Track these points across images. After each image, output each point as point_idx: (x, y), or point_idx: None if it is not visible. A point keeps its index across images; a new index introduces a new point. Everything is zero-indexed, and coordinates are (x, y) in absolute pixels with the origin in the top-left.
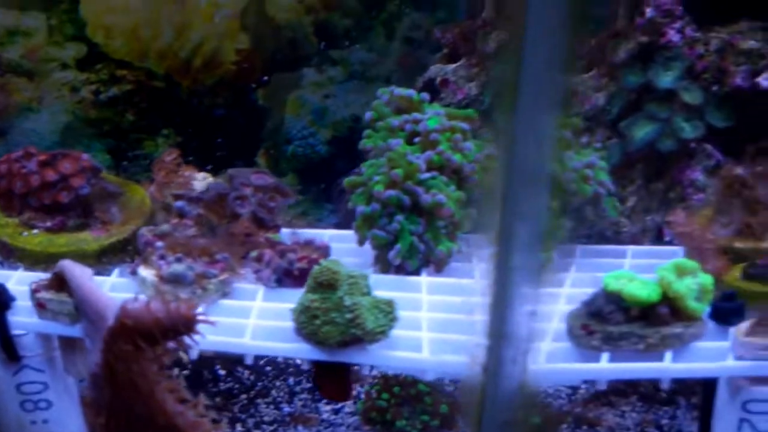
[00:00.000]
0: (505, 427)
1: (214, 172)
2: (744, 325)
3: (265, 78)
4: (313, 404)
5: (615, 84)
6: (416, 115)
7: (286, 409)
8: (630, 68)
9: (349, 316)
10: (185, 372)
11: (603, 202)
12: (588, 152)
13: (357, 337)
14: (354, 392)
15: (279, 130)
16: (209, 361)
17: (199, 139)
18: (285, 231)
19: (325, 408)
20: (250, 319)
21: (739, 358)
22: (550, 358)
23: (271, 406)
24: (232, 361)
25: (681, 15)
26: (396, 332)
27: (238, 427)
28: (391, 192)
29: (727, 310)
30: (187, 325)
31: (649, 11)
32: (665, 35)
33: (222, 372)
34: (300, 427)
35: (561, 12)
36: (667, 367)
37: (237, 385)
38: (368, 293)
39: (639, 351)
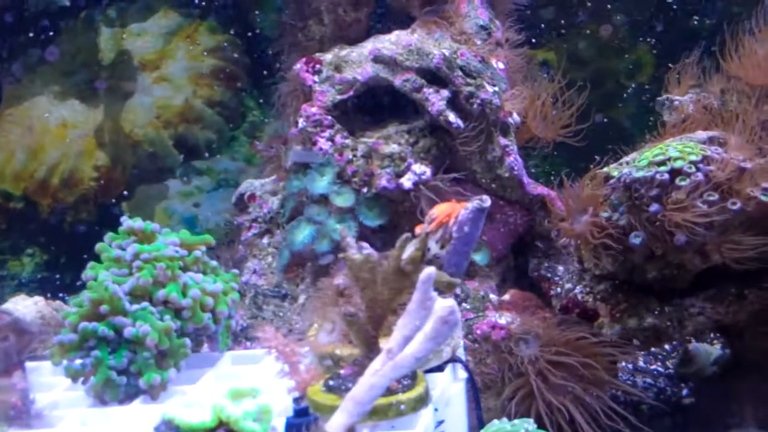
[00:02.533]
0: None
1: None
2: None
3: (126, 192)
4: None
5: (286, 187)
6: (135, 246)
7: None
8: (294, 174)
9: None
10: None
11: (217, 333)
12: (227, 277)
13: None
14: None
15: None
16: None
17: (67, 256)
18: None
19: None
20: None
21: None
22: None
23: None
24: None
25: (330, 124)
26: None
27: None
28: (87, 324)
29: (298, 426)
30: None
31: (301, 122)
32: (316, 144)
33: None
34: None
35: None
36: None
37: None
38: None
39: None
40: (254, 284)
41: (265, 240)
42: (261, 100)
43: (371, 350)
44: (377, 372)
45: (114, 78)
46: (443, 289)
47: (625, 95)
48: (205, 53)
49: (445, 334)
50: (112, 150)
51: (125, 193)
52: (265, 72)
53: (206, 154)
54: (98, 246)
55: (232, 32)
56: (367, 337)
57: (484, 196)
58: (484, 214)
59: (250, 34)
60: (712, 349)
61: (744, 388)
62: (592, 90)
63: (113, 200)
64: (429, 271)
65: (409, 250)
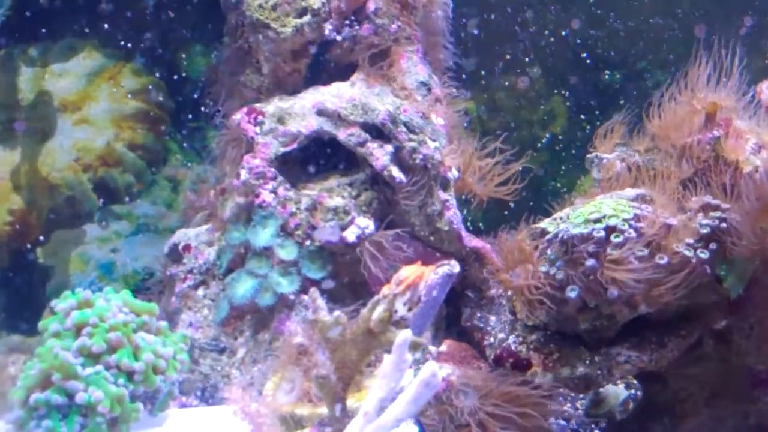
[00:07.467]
0: None
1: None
2: None
3: (41, 237)
4: None
5: (224, 239)
6: (82, 312)
7: None
8: (234, 225)
9: None
10: None
11: (162, 397)
12: (176, 338)
13: None
14: None
15: (64, 287)
16: None
17: None
18: None
19: None
20: None
21: None
22: None
23: None
24: None
25: (274, 176)
26: None
27: None
28: (39, 395)
29: None
30: None
31: (243, 173)
32: (259, 196)
33: None
34: None
35: None
36: None
37: None
38: None
39: None
40: (190, 337)
41: (201, 292)
42: (185, 144)
43: (340, 410)
44: None
45: (33, 119)
46: (410, 349)
47: (539, 144)
48: (129, 95)
49: (427, 397)
50: (27, 193)
51: (41, 238)
52: (190, 116)
53: (126, 199)
54: (41, 324)
55: (157, 75)
56: (336, 397)
57: (453, 262)
58: (452, 279)
59: (175, 77)
60: (620, 391)
61: (656, 428)
62: (509, 138)
63: (28, 245)
64: (405, 334)
65: (378, 312)
